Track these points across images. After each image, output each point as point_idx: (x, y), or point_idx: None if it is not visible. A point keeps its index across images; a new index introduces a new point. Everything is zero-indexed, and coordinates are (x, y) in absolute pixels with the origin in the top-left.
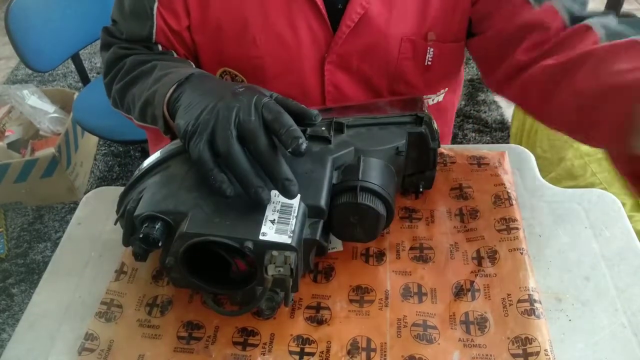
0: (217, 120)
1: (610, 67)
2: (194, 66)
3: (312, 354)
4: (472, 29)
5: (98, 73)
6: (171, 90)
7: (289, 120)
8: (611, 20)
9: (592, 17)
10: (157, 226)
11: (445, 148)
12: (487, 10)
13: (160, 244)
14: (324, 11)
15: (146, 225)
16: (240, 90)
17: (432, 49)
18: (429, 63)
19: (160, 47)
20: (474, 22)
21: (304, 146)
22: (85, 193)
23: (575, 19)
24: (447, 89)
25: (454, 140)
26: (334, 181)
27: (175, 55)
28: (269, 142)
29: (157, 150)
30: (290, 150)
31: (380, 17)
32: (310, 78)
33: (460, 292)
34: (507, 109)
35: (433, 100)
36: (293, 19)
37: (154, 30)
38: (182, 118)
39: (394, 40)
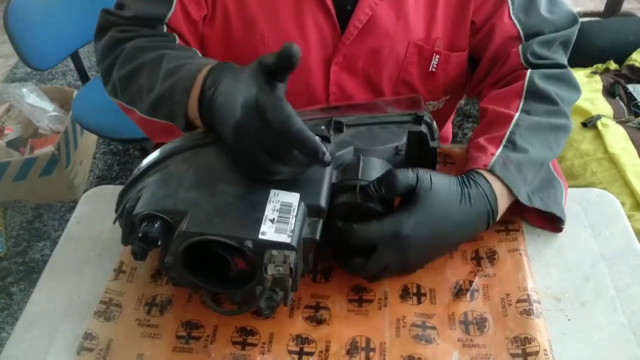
0: (251, 153)
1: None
2: (200, 54)
3: (311, 354)
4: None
5: (97, 71)
6: (196, 101)
7: (300, 132)
8: (547, 73)
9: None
10: (156, 225)
11: (445, 148)
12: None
13: (159, 243)
14: (333, 12)
15: (145, 224)
16: (245, 96)
17: (437, 56)
18: (433, 69)
19: (165, 29)
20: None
21: (327, 157)
22: (84, 192)
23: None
24: (449, 96)
25: (454, 140)
26: (334, 180)
27: (177, 40)
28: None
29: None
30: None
31: (389, 19)
32: (316, 78)
33: (459, 292)
34: None
35: (434, 107)
36: (302, 18)
37: (169, 14)
38: (220, 132)
39: (400, 44)
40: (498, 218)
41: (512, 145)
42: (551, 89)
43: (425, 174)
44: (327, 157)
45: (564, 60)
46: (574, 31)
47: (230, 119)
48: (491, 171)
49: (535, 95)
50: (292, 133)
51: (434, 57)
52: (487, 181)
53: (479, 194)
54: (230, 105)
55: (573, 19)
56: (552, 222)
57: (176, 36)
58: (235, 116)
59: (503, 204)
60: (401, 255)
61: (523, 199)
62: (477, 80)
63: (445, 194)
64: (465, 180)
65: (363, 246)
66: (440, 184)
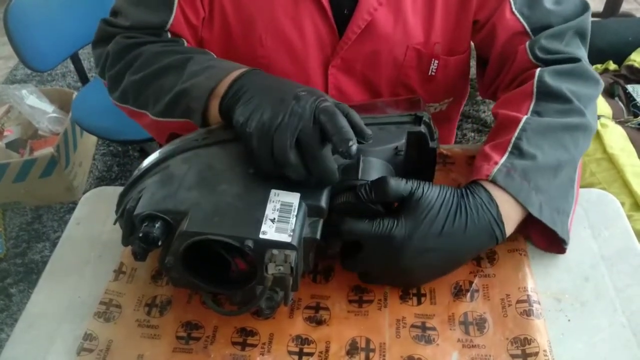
0: (278, 128)
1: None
2: (215, 57)
3: (311, 354)
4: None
5: (97, 73)
6: (226, 86)
7: (342, 121)
8: (559, 69)
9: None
10: (156, 225)
11: (444, 148)
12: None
13: (159, 243)
14: (330, 15)
15: (146, 224)
16: (303, 94)
17: (436, 61)
18: (433, 73)
19: (169, 35)
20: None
21: (353, 148)
22: (84, 193)
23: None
24: (451, 99)
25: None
26: None
27: (185, 44)
28: (324, 152)
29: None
30: (340, 150)
31: (387, 24)
32: (314, 80)
33: (459, 292)
34: None
35: (435, 108)
36: (300, 21)
37: (170, 20)
38: (242, 115)
39: (399, 48)
40: (510, 230)
41: (517, 151)
42: (564, 86)
43: (419, 185)
44: (354, 149)
45: (579, 52)
46: (585, 19)
47: (271, 99)
48: (494, 181)
49: (546, 94)
50: (335, 121)
51: (432, 61)
52: (486, 190)
53: (477, 206)
54: (280, 86)
55: (582, 7)
56: (557, 243)
57: (184, 41)
58: (284, 96)
59: (511, 214)
60: (386, 259)
61: (534, 210)
62: (489, 80)
63: (438, 206)
64: (464, 192)
65: (352, 242)
66: (434, 196)
